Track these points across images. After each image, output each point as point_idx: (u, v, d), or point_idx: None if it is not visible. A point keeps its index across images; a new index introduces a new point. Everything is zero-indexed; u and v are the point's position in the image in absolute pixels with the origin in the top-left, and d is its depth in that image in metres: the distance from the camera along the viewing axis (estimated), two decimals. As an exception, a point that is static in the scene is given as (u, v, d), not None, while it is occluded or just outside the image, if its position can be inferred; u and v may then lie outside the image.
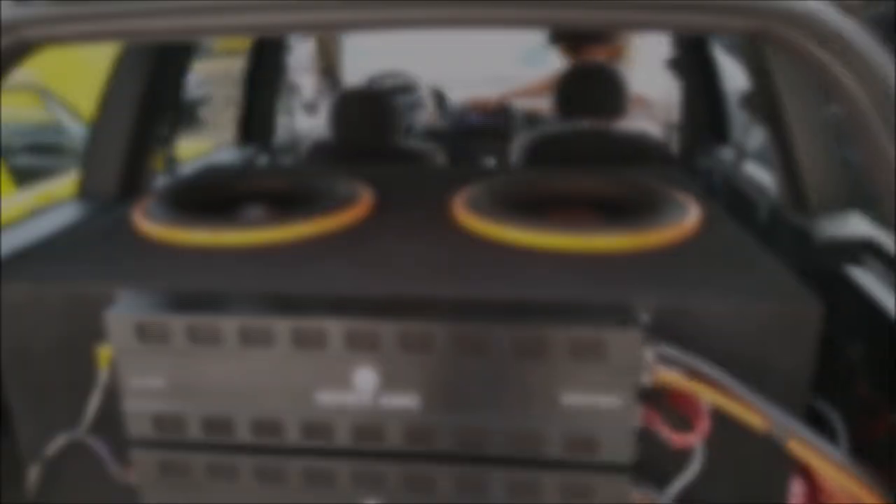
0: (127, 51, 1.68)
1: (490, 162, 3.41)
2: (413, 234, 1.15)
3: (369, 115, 2.46)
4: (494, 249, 1.08)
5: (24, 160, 3.98)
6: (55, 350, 1.02)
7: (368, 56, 5.10)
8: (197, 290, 0.98)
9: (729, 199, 1.95)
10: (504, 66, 5.02)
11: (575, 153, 2.53)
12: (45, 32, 0.93)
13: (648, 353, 0.86)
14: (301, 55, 3.27)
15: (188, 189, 1.34)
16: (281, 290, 0.96)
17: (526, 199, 1.32)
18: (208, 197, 1.33)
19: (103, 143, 1.71)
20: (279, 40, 2.63)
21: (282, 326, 0.90)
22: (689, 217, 1.15)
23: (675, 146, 2.72)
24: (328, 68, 3.56)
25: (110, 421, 0.99)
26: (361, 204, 1.26)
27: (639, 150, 2.48)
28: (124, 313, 0.92)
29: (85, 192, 1.72)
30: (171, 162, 1.85)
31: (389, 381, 0.91)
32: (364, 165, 2.50)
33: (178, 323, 0.91)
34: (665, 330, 0.88)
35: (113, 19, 0.92)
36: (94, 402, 0.99)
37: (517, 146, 2.67)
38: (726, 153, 2.28)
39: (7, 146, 3.65)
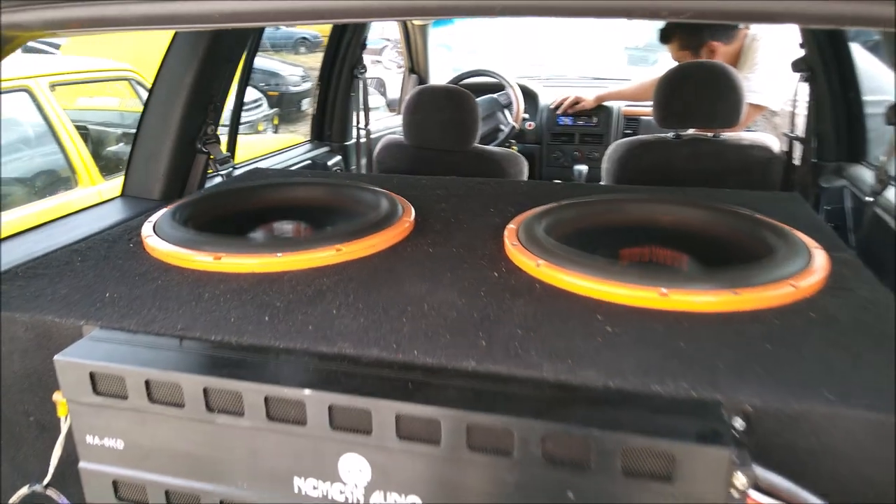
0: (176, 42, 1.56)
1: (581, 171, 3.12)
2: (446, 273, 0.92)
3: (444, 113, 2.24)
4: (544, 300, 0.84)
5: (120, 149, 4.06)
6: (27, 388, 0.89)
7: (461, 55, 4.92)
8: (168, 335, 0.80)
9: (865, 232, 1.60)
10: (609, 67, 4.71)
11: (673, 167, 2.22)
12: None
13: (739, 479, 0.60)
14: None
15: (203, 202, 1.17)
16: (265, 342, 0.77)
17: (596, 230, 1.07)
18: (221, 212, 1.16)
19: (147, 139, 1.59)
20: (354, 36, 2.47)
21: (253, 395, 0.70)
22: (810, 266, 0.87)
23: (798, 163, 2.34)
24: (414, 66, 3.38)
25: (76, 475, 0.84)
26: (394, 227, 1.06)
27: (750, 167, 2.13)
28: (74, 359, 0.76)
29: (127, 191, 1.61)
30: (224, 162, 1.71)
31: (384, 477, 0.69)
32: (431, 168, 2.33)
33: (134, 376, 0.74)
34: (762, 439, 0.63)
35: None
36: (56, 453, 0.84)
37: (608, 155, 2.38)
38: (863, 174, 1.90)
39: (100, 137, 3.73)
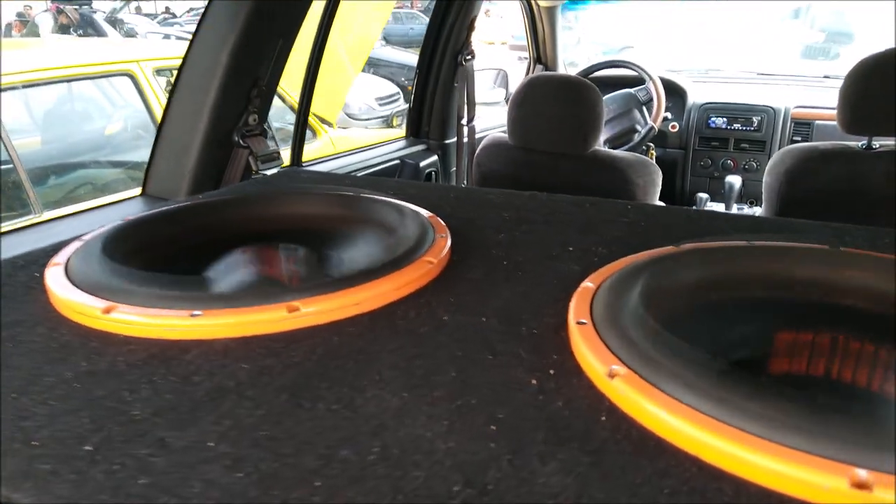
0: (211, 9, 1.27)
1: (733, 184, 2.56)
2: (448, 373, 0.53)
3: (558, 108, 1.82)
4: (613, 462, 0.43)
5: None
6: None
7: (610, 47, 4.41)
8: None
9: None
10: (778, 61, 4.02)
11: (864, 188, 1.65)
12: None
13: None
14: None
15: (171, 216, 0.84)
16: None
17: (740, 300, 0.63)
18: (190, 233, 0.82)
19: (174, 129, 1.32)
20: (460, 15, 2.10)
21: None
22: None
23: None
24: (540, 56, 2.95)
25: None
26: (399, 274, 0.67)
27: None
28: None
29: (149, 189, 1.35)
30: (269, 159, 1.41)
31: None
32: (537, 174, 1.91)
33: None
34: None
35: None
36: None
37: (773, 165, 1.84)
38: None
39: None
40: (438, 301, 0.66)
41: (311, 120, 3.54)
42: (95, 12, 11.20)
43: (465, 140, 2.23)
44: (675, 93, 2.86)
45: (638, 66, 2.69)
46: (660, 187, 1.99)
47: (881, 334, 0.57)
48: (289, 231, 0.83)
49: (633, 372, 0.49)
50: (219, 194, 0.92)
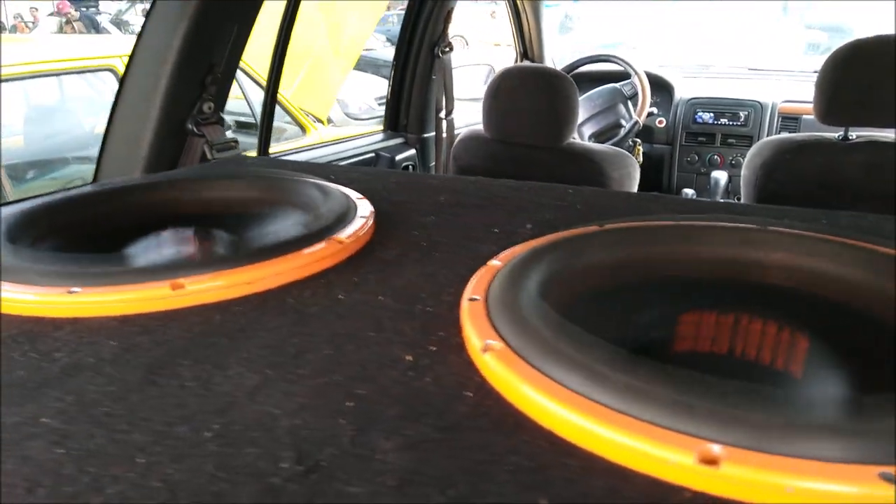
0: (158, 5, 1.25)
1: (718, 179, 2.52)
2: (322, 350, 0.50)
3: (532, 100, 1.78)
4: (466, 436, 0.40)
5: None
6: None
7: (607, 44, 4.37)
8: None
9: None
10: (780, 56, 3.98)
11: (840, 180, 1.61)
12: None
13: None
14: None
15: (87, 198, 0.82)
16: None
17: (648, 281, 0.60)
18: (108, 214, 0.80)
19: (125, 116, 1.29)
20: (437, 5, 2.07)
21: None
22: None
23: None
24: (527, 51, 2.92)
25: None
26: (306, 253, 0.65)
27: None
28: None
29: (101, 178, 1.33)
30: (226, 148, 1.39)
31: None
32: (514, 167, 1.87)
33: None
34: None
35: None
36: None
37: (750, 158, 1.81)
38: None
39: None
40: (341, 280, 0.63)
41: (300, 117, 3.55)
42: (100, 13, 11.24)
43: (444, 134, 2.20)
44: (662, 88, 2.82)
45: (623, 61, 2.65)
46: (637, 180, 1.95)
47: (787, 311, 0.54)
48: (209, 214, 0.81)
49: (507, 347, 0.46)
50: (146, 178, 0.90)
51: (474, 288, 0.57)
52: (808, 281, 0.59)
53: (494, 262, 0.62)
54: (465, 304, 0.54)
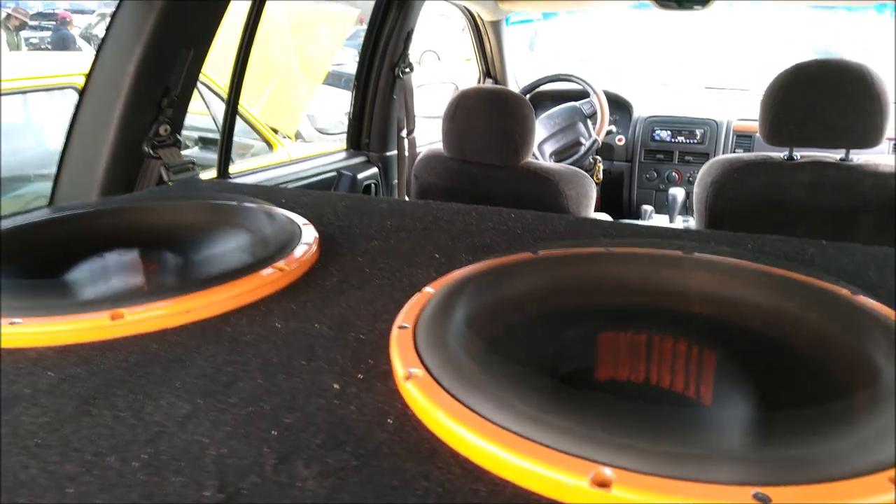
0: (118, 16, 1.26)
1: (675, 195, 2.59)
2: (255, 378, 0.52)
3: (489, 120, 1.83)
4: (372, 457, 0.42)
5: (197, 155, 3.96)
6: None
7: (572, 63, 4.43)
8: None
9: None
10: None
11: (785, 198, 1.68)
12: None
13: None
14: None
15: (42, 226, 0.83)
16: None
17: (571, 306, 0.63)
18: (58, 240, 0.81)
19: (81, 138, 1.30)
20: (396, 25, 2.11)
21: None
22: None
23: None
24: (489, 70, 2.98)
25: None
26: (247, 280, 0.67)
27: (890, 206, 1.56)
28: None
29: (57, 200, 1.33)
30: (182, 170, 1.40)
31: None
32: (473, 186, 1.91)
33: None
34: None
35: None
36: None
37: (701, 176, 1.86)
38: None
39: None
40: (280, 308, 0.65)
41: (267, 134, 3.56)
42: (71, 27, 11.07)
43: (406, 153, 2.23)
44: (621, 106, 2.90)
45: (581, 80, 2.72)
46: (594, 199, 2.00)
47: (698, 336, 0.58)
48: (157, 239, 0.82)
49: (429, 375, 0.49)
50: (95, 203, 0.91)
51: (405, 315, 0.59)
52: (722, 307, 0.62)
53: (428, 289, 0.65)
54: (395, 331, 0.57)
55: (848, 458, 0.39)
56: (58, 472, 0.42)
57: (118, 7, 1.25)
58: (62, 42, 9.76)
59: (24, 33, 9.60)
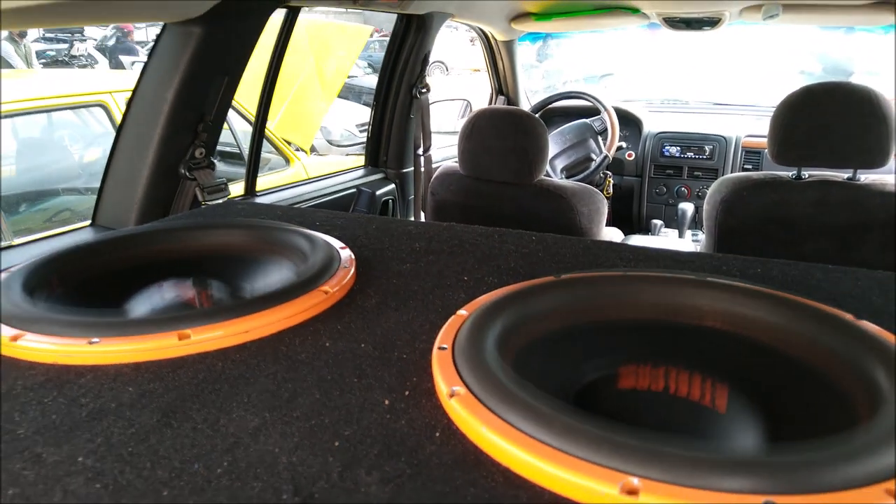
0: (158, 48, 1.33)
1: (685, 210, 2.64)
2: (313, 393, 0.58)
3: (503, 140, 1.89)
4: (423, 472, 0.48)
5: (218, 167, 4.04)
6: None
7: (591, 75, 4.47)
8: None
9: None
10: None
11: (793, 216, 1.73)
12: None
13: None
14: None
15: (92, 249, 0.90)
16: None
17: (595, 330, 0.69)
18: (108, 266, 0.88)
19: (122, 161, 1.37)
20: (414, 49, 2.18)
21: None
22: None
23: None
24: (502, 87, 3.05)
25: None
26: (297, 302, 0.73)
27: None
28: None
29: (98, 219, 1.40)
30: (216, 190, 1.47)
31: None
32: (488, 202, 1.97)
33: None
34: None
35: None
36: None
37: (711, 193, 1.92)
38: None
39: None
40: (327, 329, 0.72)
41: (284, 148, 3.64)
42: (85, 40, 11.24)
43: (423, 169, 2.30)
44: (631, 122, 2.96)
45: (592, 97, 2.78)
46: (605, 215, 2.06)
47: (714, 355, 0.63)
48: (206, 262, 0.89)
49: (470, 393, 0.55)
50: (147, 227, 0.98)
51: (443, 337, 0.65)
52: (735, 326, 0.68)
53: (462, 312, 0.71)
54: (435, 352, 0.63)
55: (847, 469, 0.44)
56: (151, 477, 0.48)
57: (158, 37, 1.32)
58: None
59: (36, 46, 9.75)
